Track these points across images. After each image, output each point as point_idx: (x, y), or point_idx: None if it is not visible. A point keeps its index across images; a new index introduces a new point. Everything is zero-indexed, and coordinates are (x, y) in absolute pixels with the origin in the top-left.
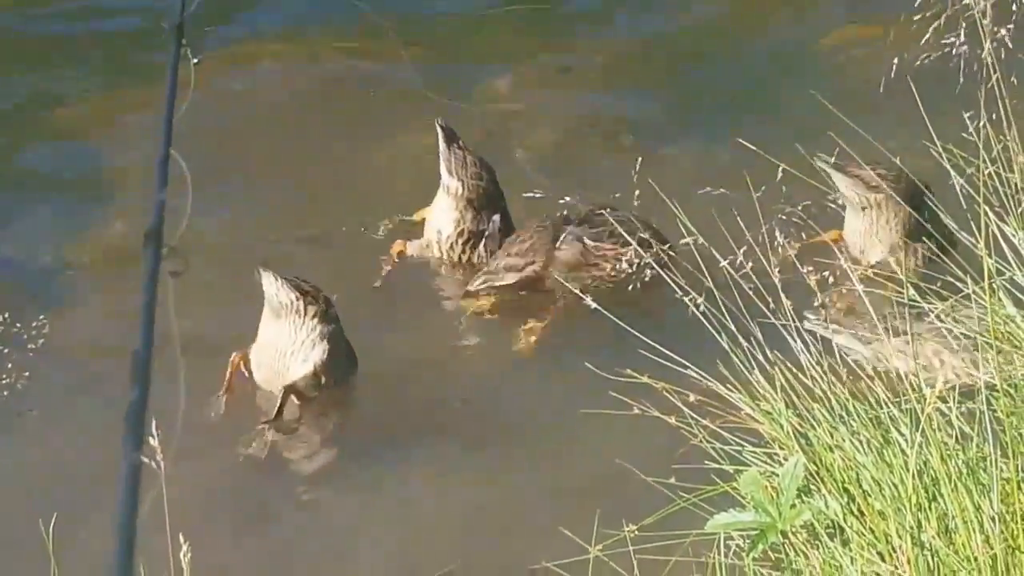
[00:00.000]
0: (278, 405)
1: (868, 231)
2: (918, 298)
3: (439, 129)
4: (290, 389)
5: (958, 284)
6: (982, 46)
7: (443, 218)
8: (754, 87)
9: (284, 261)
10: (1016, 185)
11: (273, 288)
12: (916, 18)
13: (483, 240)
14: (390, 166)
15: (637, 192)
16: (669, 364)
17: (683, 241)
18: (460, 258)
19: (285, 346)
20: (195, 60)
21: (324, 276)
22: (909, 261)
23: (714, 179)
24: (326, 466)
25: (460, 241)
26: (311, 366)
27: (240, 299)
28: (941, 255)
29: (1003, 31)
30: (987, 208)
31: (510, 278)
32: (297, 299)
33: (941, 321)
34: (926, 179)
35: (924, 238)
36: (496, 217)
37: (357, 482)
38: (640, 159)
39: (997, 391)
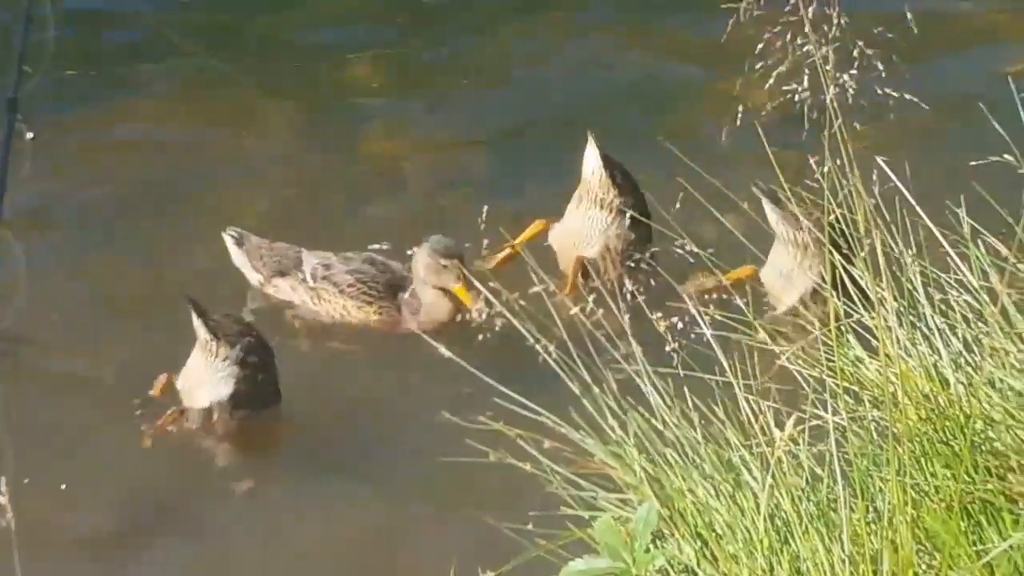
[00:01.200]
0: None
1: (788, 272)
2: (768, 340)
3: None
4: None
5: (808, 327)
6: (825, 92)
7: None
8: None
9: None
10: (861, 228)
11: (194, 323)
12: (759, 66)
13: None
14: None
15: (486, 241)
16: (523, 412)
17: (532, 289)
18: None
19: (198, 376)
20: (30, 135)
21: None
22: (817, 310)
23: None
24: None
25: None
26: (207, 402)
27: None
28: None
29: (845, 76)
30: (833, 250)
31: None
32: (210, 339)
33: (790, 364)
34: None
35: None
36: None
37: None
38: (486, 208)
39: (847, 432)
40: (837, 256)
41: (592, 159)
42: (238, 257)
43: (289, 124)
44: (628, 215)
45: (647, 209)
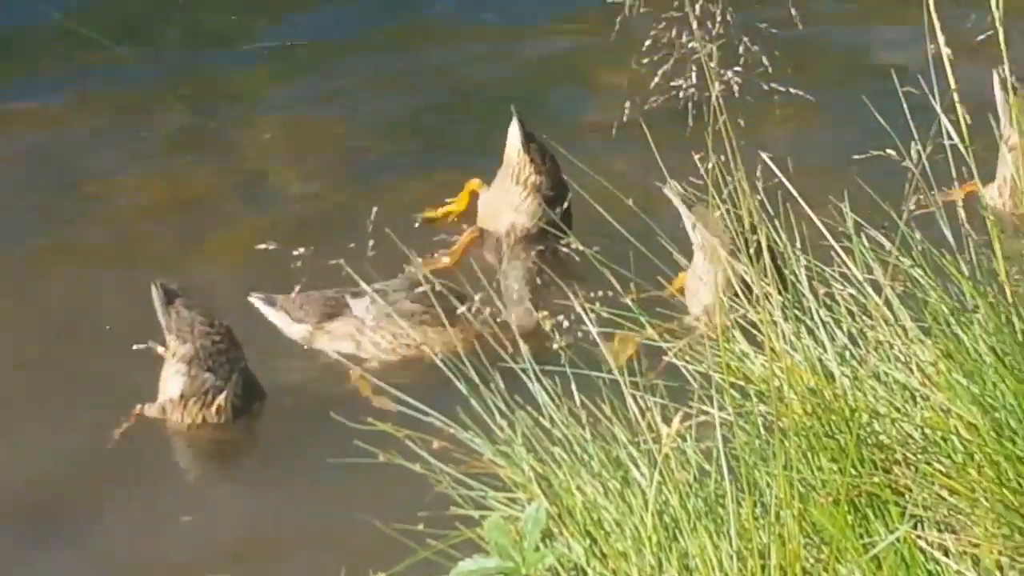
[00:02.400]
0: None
1: (700, 275)
2: (656, 337)
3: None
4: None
5: (694, 323)
6: (710, 89)
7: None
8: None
9: None
10: (745, 224)
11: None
12: (645, 61)
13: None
14: None
15: (372, 243)
16: (412, 412)
17: (419, 289)
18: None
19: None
20: None
21: None
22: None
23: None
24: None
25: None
26: (162, 397)
27: None
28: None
29: (730, 73)
30: (719, 246)
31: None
32: (168, 333)
33: (677, 359)
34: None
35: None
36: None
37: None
38: (375, 209)
39: (734, 428)
40: (722, 253)
41: (513, 136)
42: (275, 316)
43: (180, 120)
44: (541, 195)
45: (566, 192)
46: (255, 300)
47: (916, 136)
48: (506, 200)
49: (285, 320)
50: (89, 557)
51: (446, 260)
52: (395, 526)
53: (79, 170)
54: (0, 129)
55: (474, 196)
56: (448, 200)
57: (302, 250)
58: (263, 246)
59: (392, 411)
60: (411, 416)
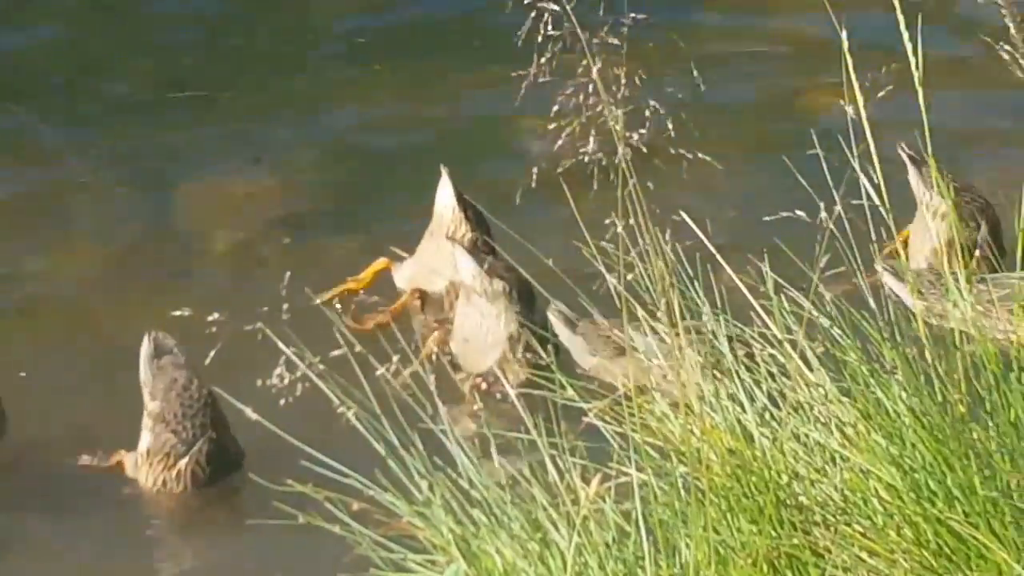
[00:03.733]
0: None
1: (483, 324)
2: (577, 397)
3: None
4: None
5: (616, 385)
6: (617, 152)
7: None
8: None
9: None
10: (661, 284)
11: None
12: (551, 127)
13: None
14: None
15: (286, 305)
16: (331, 473)
17: (334, 353)
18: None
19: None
20: None
21: None
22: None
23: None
24: None
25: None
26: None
27: None
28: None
29: (635, 136)
30: (637, 306)
31: None
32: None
33: (600, 419)
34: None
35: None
36: None
37: None
38: (288, 273)
39: (653, 489)
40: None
41: (445, 194)
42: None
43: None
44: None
45: (493, 250)
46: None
47: (834, 193)
48: (442, 259)
49: (581, 349)
50: None
51: (381, 318)
52: None
53: None
54: None
55: (380, 275)
56: (350, 278)
57: (216, 315)
58: (178, 312)
59: None
60: (331, 477)
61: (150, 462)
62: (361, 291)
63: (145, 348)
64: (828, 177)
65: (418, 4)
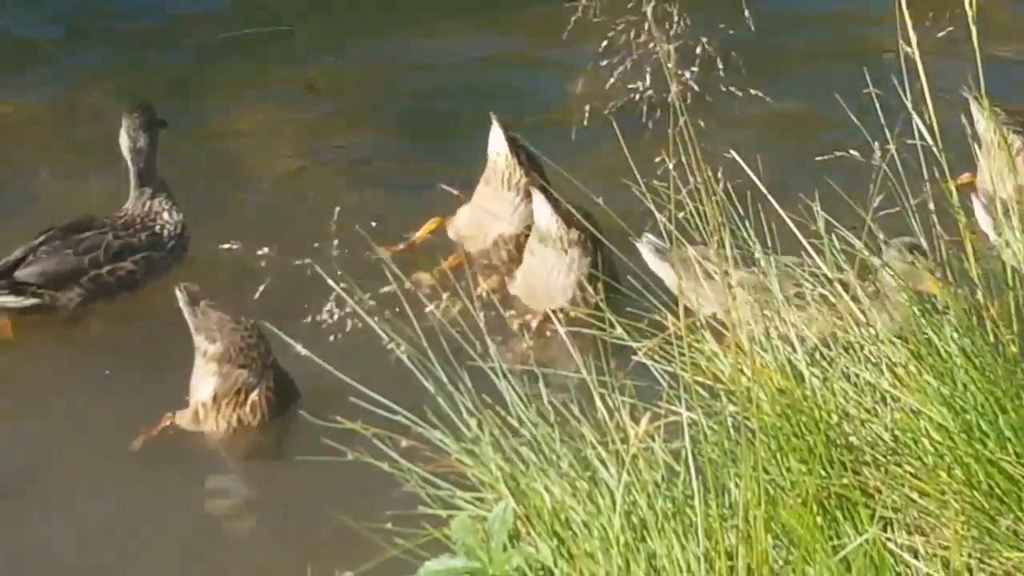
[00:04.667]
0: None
1: (555, 269)
2: (625, 336)
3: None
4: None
5: (663, 322)
6: (668, 90)
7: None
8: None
9: None
10: (712, 223)
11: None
12: (603, 64)
13: None
14: None
15: (336, 241)
16: (379, 410)
17: (384, 290)
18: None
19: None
20: None
21: None
22: (588, 300)
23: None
24: None
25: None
26: (194, 401)
27: None
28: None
29: (687, 74)
30: (685, 245)
31: None
32: (196, 333)
33: (649, 358)
34: (627, 219)
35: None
36: None
37: None
38: (338, 209)
39: (702, 428)
40: (691, 251)
41: (496, 141)
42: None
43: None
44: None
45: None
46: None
47: (887, 134)
48: (498, 208)
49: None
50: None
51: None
52: (363, 524)
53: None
54: None
55: (436, 232)
56: (406, 236)
57: (266, 250)
58: (227, 246)
59: None
60: (379, 414)
61: (218, 406)
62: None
63: (182, 298)
64: (881, 117)
65: None
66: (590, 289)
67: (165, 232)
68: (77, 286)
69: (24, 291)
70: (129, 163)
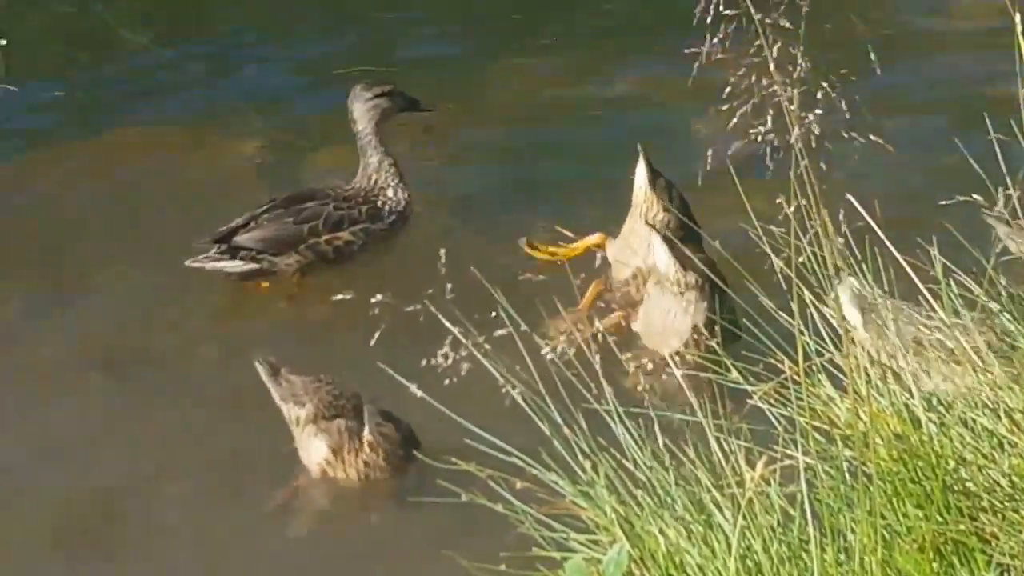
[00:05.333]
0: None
1: (671, 312)
2: (741, 379)
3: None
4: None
5: (779, 366)
6: (789, 132)
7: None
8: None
9: None
10: (831, 267)
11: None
12: (724, 108)
13: None
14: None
15: (449, 285)
16: (494, 452)
17: (498, 332)
18: None
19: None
20: None
21: None
22: (702, 344)
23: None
24: None
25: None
26: (317, 466)
27: None
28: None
29: (810, 117)
30: (804, 289)
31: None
32: (284, 403)
33: (765, 402)
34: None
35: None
36: None
37: None
38: (444, 251)
39: (818, 472)
40: (807, 294)
41: (639, 174)
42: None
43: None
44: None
45: (696, 234)
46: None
47: (1007, 178)
48: (636, 242)
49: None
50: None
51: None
52: (477, 565)
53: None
54: None
55: (592, 251)
56: (561, 243)
57: (379, 297)
58: (340, 296)
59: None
60: (494, 456)
61: (341, 459)
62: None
63: (263, 371)
64: (1002, 164)
65: None
66: (706, 334)
67: (386, 207)
68: (295, 253)
69: (243, 256)
70: (357, 137)
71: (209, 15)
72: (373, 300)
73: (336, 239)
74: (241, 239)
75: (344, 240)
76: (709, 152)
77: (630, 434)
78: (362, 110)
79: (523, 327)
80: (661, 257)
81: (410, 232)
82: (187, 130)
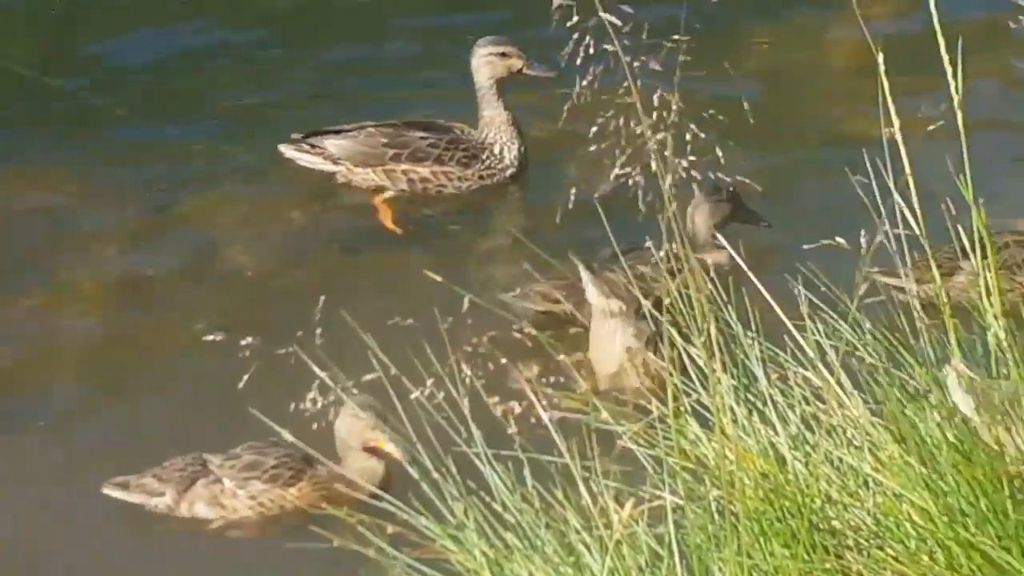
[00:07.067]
0: None
1: (604, 338)
2: (610, 420)
3: None
4: None
5: (647, 406)
6: (659, 176)
7: None
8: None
9: None
10: (696, 310)
11: None
12: (592, 149)
13: None
14: None
15: (319, 330)
16: (363, 497)
17: (367, 376)
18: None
19: None
20: None
21: None
22: (642, 371)
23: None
24: None
25: None
26: None
27: None
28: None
29: (683, 163)
30: (673, 330)
31: (538, 304)
32: None
33: (634, 443)
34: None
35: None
36: None
37: None
38: (323, 297)
39: (686, 512)
40: (677, 336)
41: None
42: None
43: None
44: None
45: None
46: None
47: (876, 217)
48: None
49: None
50: None
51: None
52: None
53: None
54: None
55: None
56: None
57: (249, 339)
58: (211, 337)
59: None
60: (364, 501)
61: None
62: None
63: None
64: (868, 203)
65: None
66: (648, 355)
67: (484, 161)
68: (372, 172)
69: (326, 156)
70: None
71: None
72: (243, 342)
73: (412, 172)
74: (327, 142)
75: (421, 176)
76: (572, 191)
77: (499, 477)
78: (477, 64)
79: (392, 371)
80: (588, 287)
81: (292, 272)
82: None
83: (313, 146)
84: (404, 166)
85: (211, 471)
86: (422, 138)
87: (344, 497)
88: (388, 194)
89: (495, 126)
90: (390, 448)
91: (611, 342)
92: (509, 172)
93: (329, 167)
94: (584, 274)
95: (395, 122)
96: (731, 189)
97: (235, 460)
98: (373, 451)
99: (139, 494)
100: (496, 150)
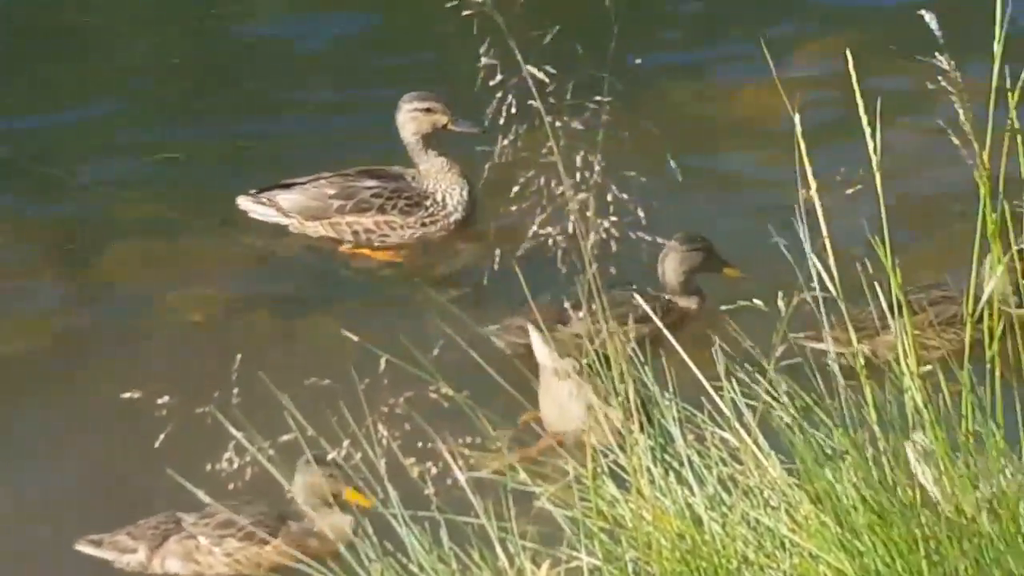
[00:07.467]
0: None
1: (564, 400)
2: (528, 480)
3: None
4: None
5: (565, 467)
6: (582, 235)
7: None
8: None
9: None
10: (614, 370)
11: None
12: (513, 208)
13: None
14: None
15: (236, 390)
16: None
17: (284, 437)
18: None
19: None
20: None
21: None
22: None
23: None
24: None
25: None
26: None
27: None
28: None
29: (606, 223)
30: (592, 395)
31: (520, 337)
32: None
33: (551, 504)
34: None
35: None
36: None
37: None
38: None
39: (603, 574)
40: (593, 396)
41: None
42: None
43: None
44: None
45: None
46: None
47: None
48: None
49: None
50: None
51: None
52: None
53: None
54: None
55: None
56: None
57: (167, 398)
58: (128, 395)
59: None
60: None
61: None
62: None
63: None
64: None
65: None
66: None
67: (420, 208)
68: (319, 224)
69: (270, 206)
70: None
71: None
72: (160, 401)
73: (357, 224)
74: (278, 196)
75: (364, 227)
76: (497, 253)
77: (415, 538)
78: (403, 120)
79: (309, 432)
80: (537, 348)
81: (213, 329)
82: None
83: (269, 200)
84: (349, 218)
85: (184, 528)
86: (367, 188)
87: (318, 552)
88: (347, 244)
89: (432, 176)
90: (357, 496)
91: (569, 402)
92: (454, 218)
93: (282, 219)
94: (533, 334)
95: (349, 172)
96: (703, 239)
97: (209, 519)
98: (340, 504)
99: (112, 551)
100: (439, 197)
